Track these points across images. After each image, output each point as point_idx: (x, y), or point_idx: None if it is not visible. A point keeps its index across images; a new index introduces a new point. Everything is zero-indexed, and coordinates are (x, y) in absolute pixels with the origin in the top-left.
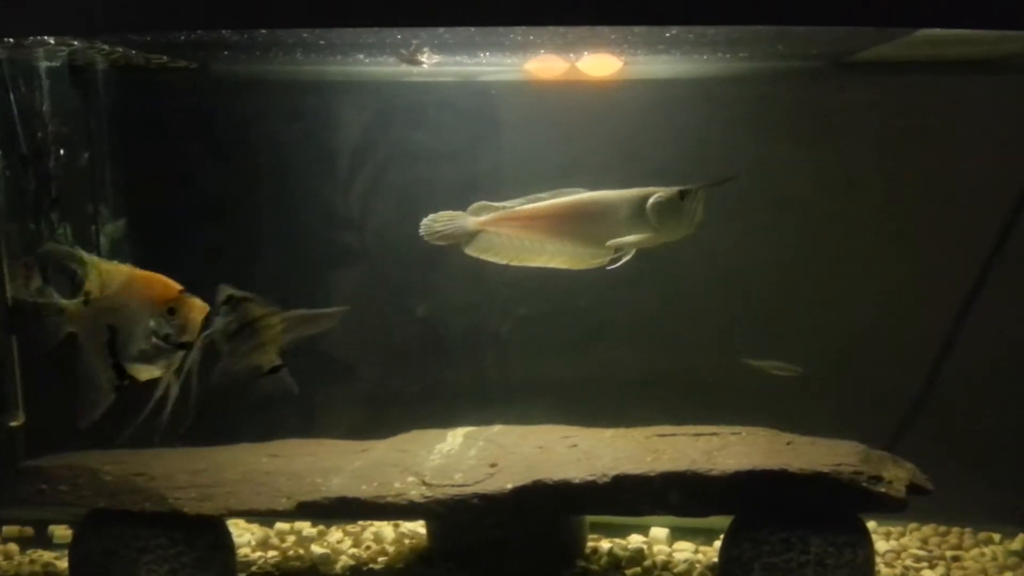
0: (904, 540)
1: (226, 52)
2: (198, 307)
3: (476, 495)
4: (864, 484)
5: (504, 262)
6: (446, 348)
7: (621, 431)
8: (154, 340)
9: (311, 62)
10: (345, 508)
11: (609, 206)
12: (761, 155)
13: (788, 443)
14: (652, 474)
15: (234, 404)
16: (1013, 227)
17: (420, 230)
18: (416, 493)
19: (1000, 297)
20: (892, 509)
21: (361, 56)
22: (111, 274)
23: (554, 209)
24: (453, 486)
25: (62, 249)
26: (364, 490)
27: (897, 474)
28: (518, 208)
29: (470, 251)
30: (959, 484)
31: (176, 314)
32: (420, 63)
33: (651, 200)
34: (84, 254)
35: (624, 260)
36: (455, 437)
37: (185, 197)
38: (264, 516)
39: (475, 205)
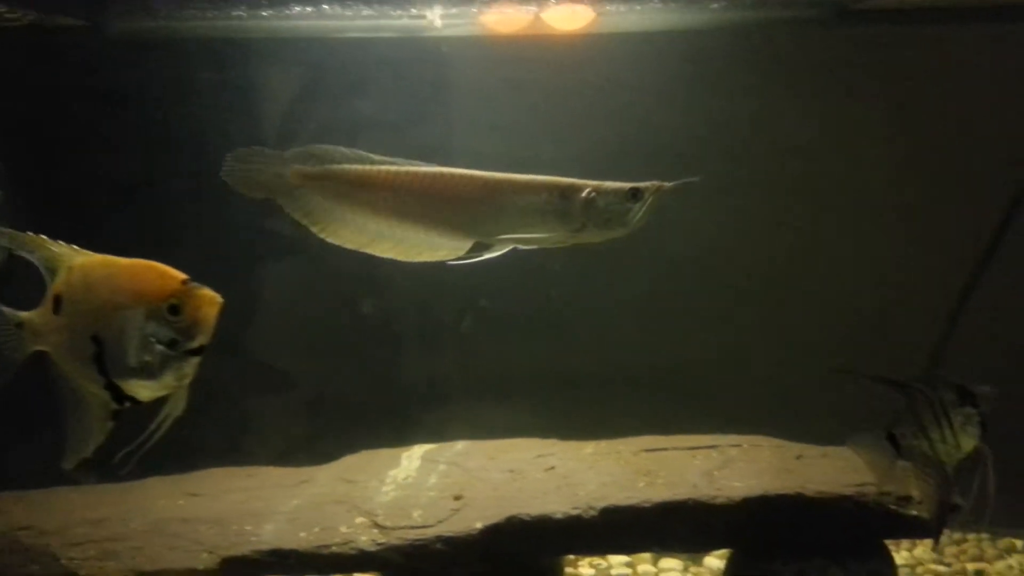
0: (917, 552)
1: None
2: (209, 300)
3: (439, 538)
4: (892, 507)
5: (321, 234)
6: (398, 347)
7: (603, 445)
8: (157, 348)
9: (227, 17)
10: (281, 562)
11: (516, 191)
12: (749, 120)
13: (798, 456)
14: (647, 505)
15: None
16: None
17: (222, 169)
18: (367, 539)
19: (1007, 287)
20: (922, 534)
21: (299, 8)
22: (86, 268)
23: (431, 181)
24: (411, 528)
25: (18, 236)
26: (303, 539)
27: (927, 491)
28: (374, 169)
29: (291, 210)
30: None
31: (181, 312)
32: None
33: (586, 194)
34: (49, 241)
35: (488, 256)
36: (411, 459)
37: (84, 173)
38: None
39: (298, 150)
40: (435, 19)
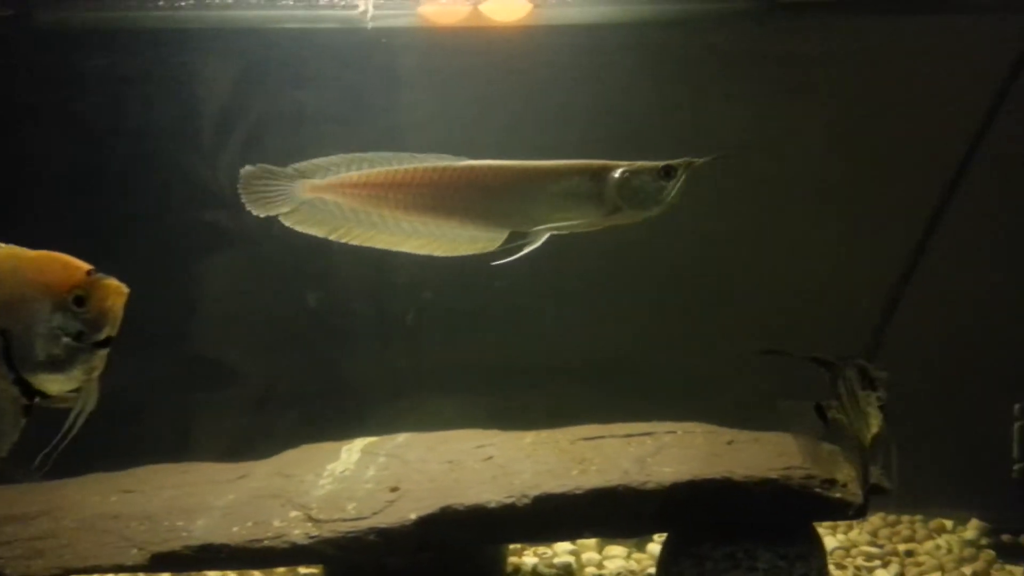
0: (852, 534)
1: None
2: (115, 290)
3: (373, 530)
4: (817, 490)
5: (341, 239)
6: (343, 341)
7: (543, 435)
8: (64, 341)
9: (162, 8)
10: (212, 557)
11: (549, 177)
12: (685, 111)
13: (729, 442)
14: (579, 492)
15: None
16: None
17: (239, 186)
18: (300, 532)
19: (941, 277)
20: (848, 516)
21: None
22: None
23: (463, 175)
24: (345, 520)
25: None
26: (235, 533)
27: (852, 474)
28: (402, 169)
29: (289, 222)
30: (903, 468)
31: (87, 303)
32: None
33: (619, 174)
34: None
35: (530, 249)
36: (351, 453)
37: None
38: (110, 573)
39: (304, 163)
40: (368, 9)
